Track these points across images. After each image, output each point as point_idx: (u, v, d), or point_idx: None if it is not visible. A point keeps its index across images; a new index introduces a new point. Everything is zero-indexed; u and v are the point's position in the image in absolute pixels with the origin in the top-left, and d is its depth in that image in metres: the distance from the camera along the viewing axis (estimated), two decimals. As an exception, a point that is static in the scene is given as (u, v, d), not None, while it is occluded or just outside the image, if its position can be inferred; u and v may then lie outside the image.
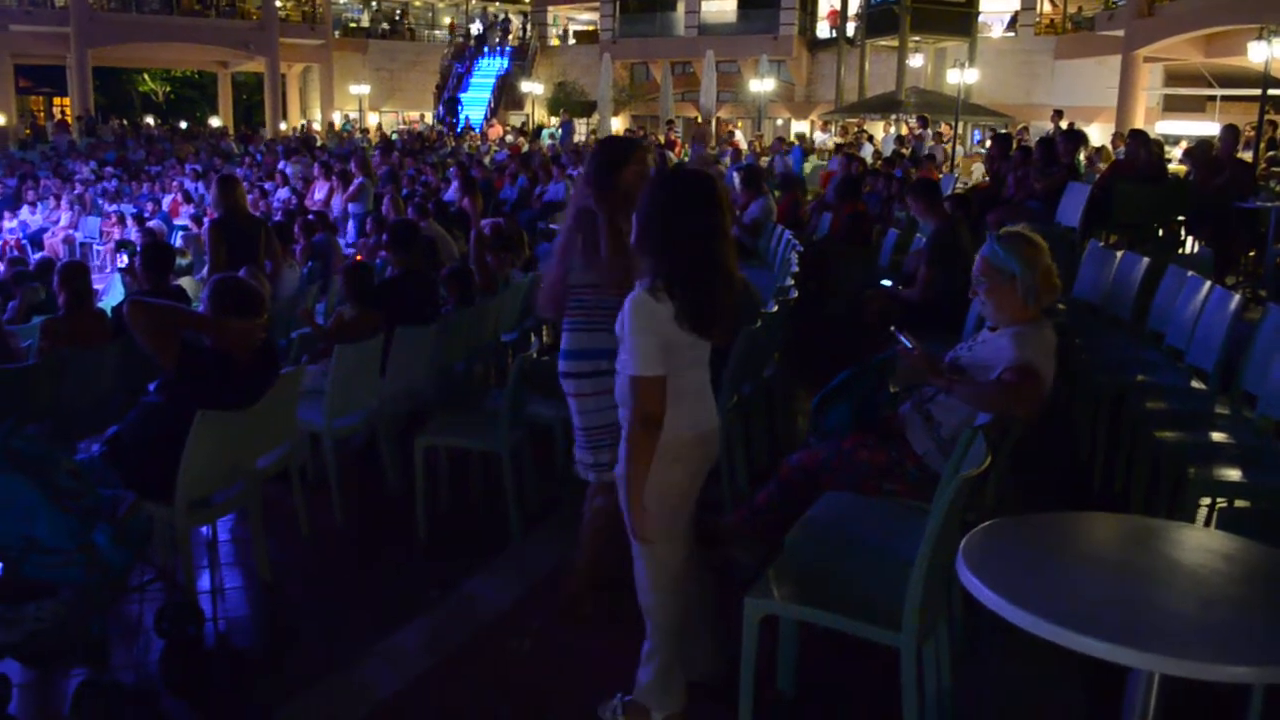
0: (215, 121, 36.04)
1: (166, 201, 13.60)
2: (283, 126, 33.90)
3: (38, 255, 11.80)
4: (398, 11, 40.12)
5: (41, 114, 34.10)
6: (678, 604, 3.06)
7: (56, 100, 34.25)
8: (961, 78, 21.97)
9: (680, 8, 35.61)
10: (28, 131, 30.40)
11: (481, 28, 39.70)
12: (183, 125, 33.81)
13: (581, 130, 31.82)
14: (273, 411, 4.23)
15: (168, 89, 38.74)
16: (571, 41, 39.25)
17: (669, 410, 2.83)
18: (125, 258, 8.82)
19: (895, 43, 27.42)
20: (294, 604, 4.34)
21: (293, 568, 4.57)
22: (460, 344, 6.01)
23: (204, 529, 4.68)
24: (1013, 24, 29.72)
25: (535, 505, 5.02)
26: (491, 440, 4.69)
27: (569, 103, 33.82)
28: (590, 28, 38.79)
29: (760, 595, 2.95)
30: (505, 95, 36.40)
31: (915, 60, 28.63)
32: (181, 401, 3.88)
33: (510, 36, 39.48)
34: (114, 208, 13.43)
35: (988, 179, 11.99)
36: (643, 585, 3.05)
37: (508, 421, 4.65)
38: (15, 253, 12.16)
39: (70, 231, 12.40)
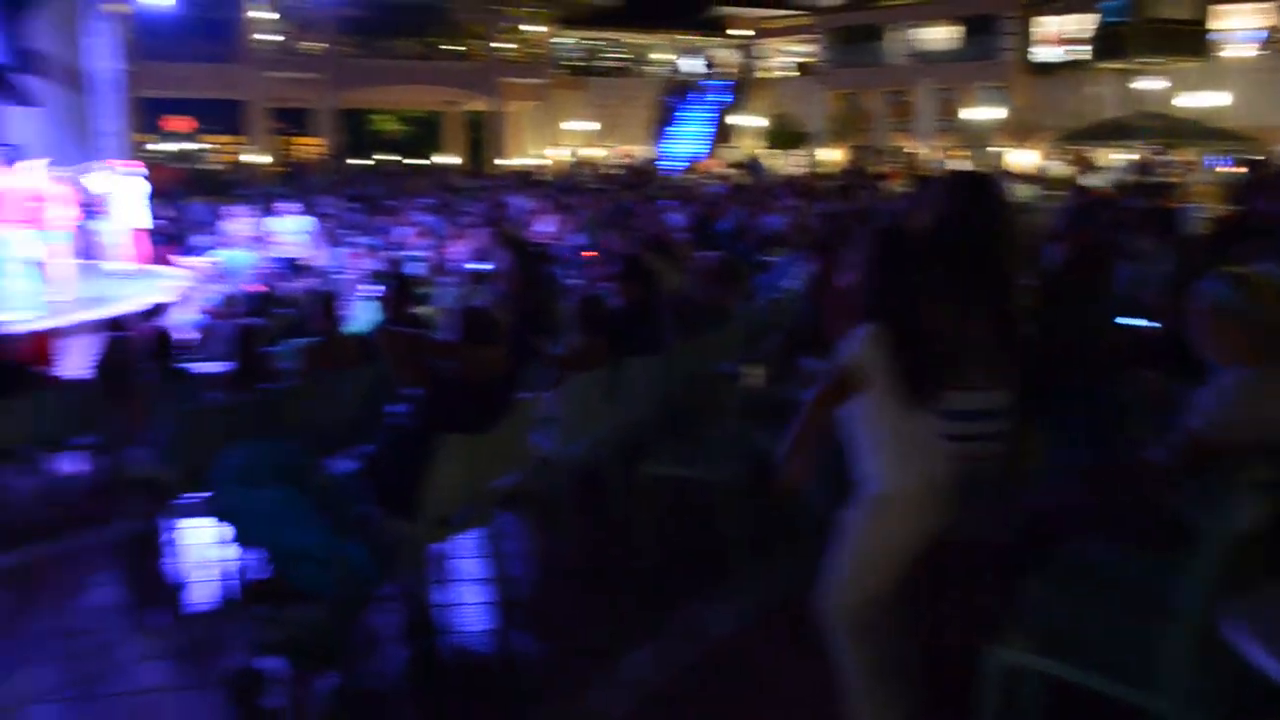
0: (443, 158, 38.07)
1: (404, 234, 14.46)
2: (508, 161, 35.47)
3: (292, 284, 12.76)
4: (613, 50, 41.28)
5: (293, 153, 36.87)
6: (871, 656, 2.95)
7: (301, 140, 36.98)
8: (1198, 100, 20.56)
9: (894, 36, 35.06)
10: (281, 169, 32.99)
11: (695, 64, 40.30)
12: (414, 162, 35.91)
13: (795, 162, 31.72)
14: (510, 437, 4.39)
15: (402, 128, 41.14)
16: (786, 74, 39.28)
17: (891, 460, 2.75)
18: (370, 287, 9.37)
19: (1124, 65, 26.02)
20: (525, 623, 4.47)
21: (524, 588, 4.72)
22: (685, 374, 6.07)
23: (443, 546, 4.88)
24: (1268, 42, 27.60)
25: (759, 536, 4.99)
26: (715, 470, 4.71)
27: (784, 135, 33.83)
28: (804, 59, 38.73)
29: (1002, 646, 2.81)
30: (720, 129, 36.76)
31: (1147, 83, 27.09)
32: (427, 424, 4.08)
33: (724, 71, 39.88)
34: (356, 239, 14.37)
35: (1232, 208, 11.18)
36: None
37: (730, 452, 4.66)
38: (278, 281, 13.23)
39: (323, 262, 13.34)
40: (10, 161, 10.78)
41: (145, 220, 15.47)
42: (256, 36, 34.27)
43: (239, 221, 13.70)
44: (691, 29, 40.60)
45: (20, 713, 3.99)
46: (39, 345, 7.97)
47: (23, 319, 10.05)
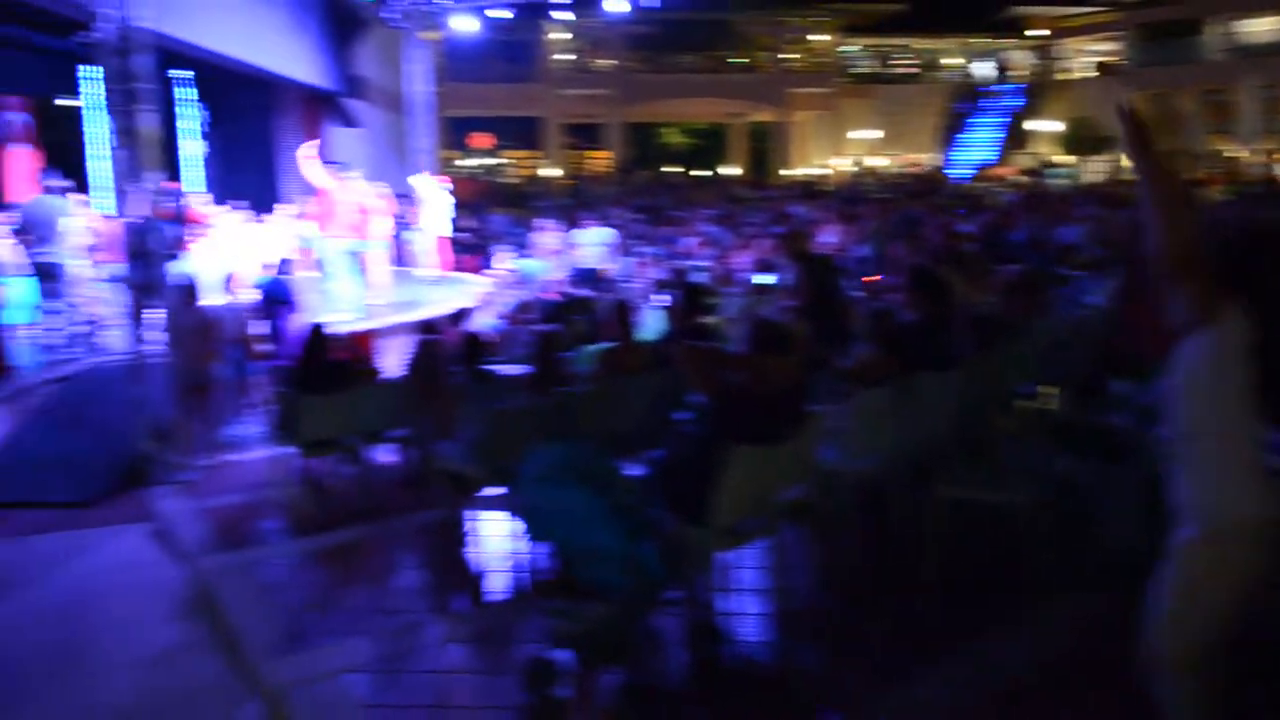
0: (727, 169, 38.56)
1: (688, 244, 14.77)
2: (792, 172, 35.49)
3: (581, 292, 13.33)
4: (901, 57, 40.36)
5: (583, 166, 38.59)
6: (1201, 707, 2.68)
7: (592, 153, 38.57)
8: None
9: (1213, 29, 32.15)
10: (572, 181, 34.57)
11: (987, 68, 38.72)
12: (701, 174, 36.64)
13: (1096, 168, 29.78)
14: (798, 449, 4.36)
15: (687, 140, 42.05)
16: (1085, 74, 36.98)
17: (1234, 486, 2.48)
18: (659, 296, 9.61)
19: None
20: (806, 636, 4.43)
21: (805, 601, 4.69)
22: (979, 393, 5.82)
23: (729, 555, 4.92)
24: None
25: (1059, 566, 4.71)
26: (1011, 495, 4.48)
27: (1083, 139, 31.87)
28: (1105, 58, 36.32)
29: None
30: (1013, 134, 35.13)
31: None
32: (718, 434, 4.12)
33: (1017, 74, 38.07)
34: (643, 249, 14.82)
35: None
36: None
37: (1029, 477, 4.42)
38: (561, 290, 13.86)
39: (616, 272, 13.86)
40: (341, 177, 11.90)
41: (450, 230, 16.62)
42: (553, 57, 36.11)
43: (547, 233, 14.43)
44: (984, 31, 39.07)
45: (337, 680, 4.37)
46: (360, 344, 8.73)
47: (346, 320, 11.05)
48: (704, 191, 27.23)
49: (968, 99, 37.97)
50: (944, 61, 40.77)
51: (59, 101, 17.28)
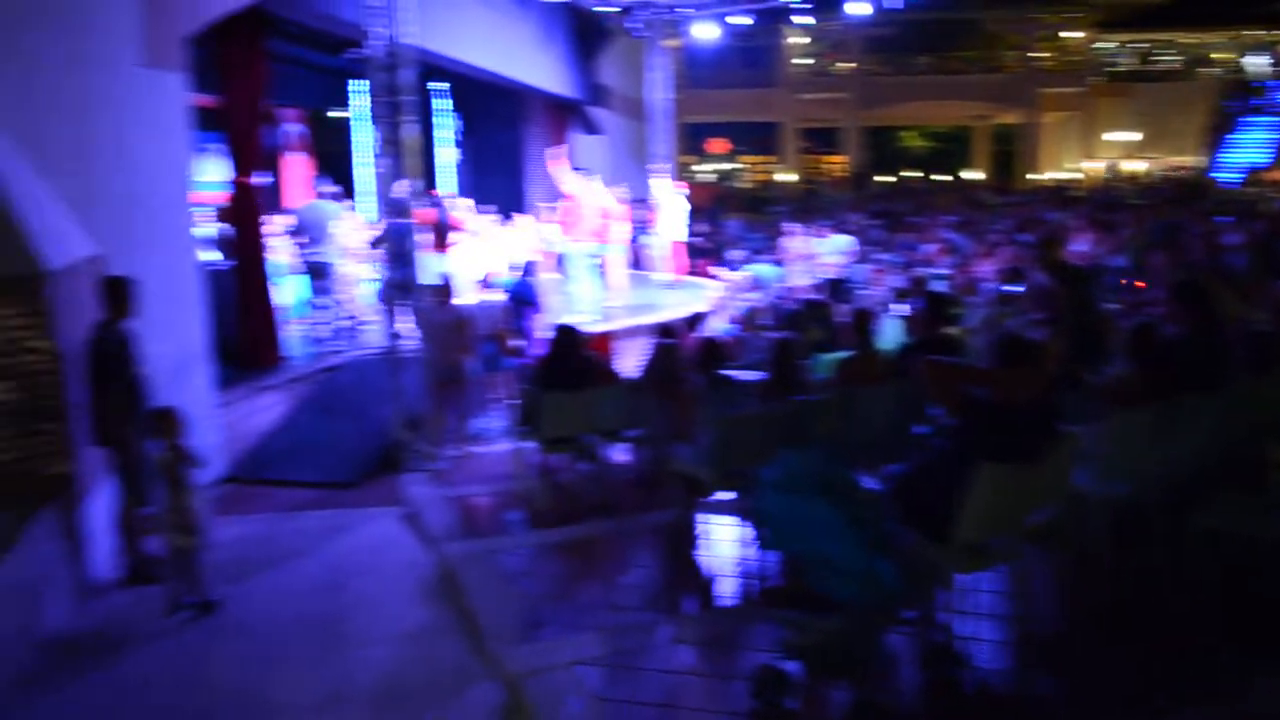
0: (970, 174, 37.19)
1: (928, 250, 14.34)
2: (1039, 176, 33.86)
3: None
4: (1163, 53, 37.69)
5: (818, 171, 38.20)
6: None
7: (828, 158, 38.10)
8: None
9: None
10: (807, 186, 34.29)
11: (1261, 62, 35.61)
12: (942, 178, 35.52)
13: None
14: (1049, 470, 4.14)
15: (927, 144, 40.86)
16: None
17: None
18: (898, 304, 9.38)
19: None
20: (1047, 665, 4.21)
21: (1049, 629, 4.45)
22: (1249, 417, 5.35)
23: (970, 576, 4.74)
24: None
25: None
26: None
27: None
28: None
29: None
30: (1293, 134, 32.14)
31: None
32: (963, 450, 3.97)
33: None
34: (880, 256, 14.50)
35: None
36: None
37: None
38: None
39: (854, 279, 13.63)
40: (585, 183, 12.26)
41: (686, 235, 16.81)
42: (791, 61, 35.93)
43: (795, 238, 14.30)
44: (1258, 23, 35.91)
45: (568, 671, 4.50)
46: (599, 346, 8.97)
47: (585, 321, 11.38)
48: (945, 197, 26.38)
49: (1239, 96, 34.97)
50: (1213, 56, 37.75)
51: (331, 114, 18.70)
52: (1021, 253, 11.34)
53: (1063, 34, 36.06)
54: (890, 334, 7.99)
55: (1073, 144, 36.59)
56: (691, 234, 19.33)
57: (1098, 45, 36.86)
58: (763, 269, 12.06)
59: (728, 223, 19.99)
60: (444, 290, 8.43)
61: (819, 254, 13.77)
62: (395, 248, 8.27)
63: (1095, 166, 34.92)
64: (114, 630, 5.35)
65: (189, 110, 7.65)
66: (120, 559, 5.92)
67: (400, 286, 8.28)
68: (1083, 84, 35.24)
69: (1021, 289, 8.18)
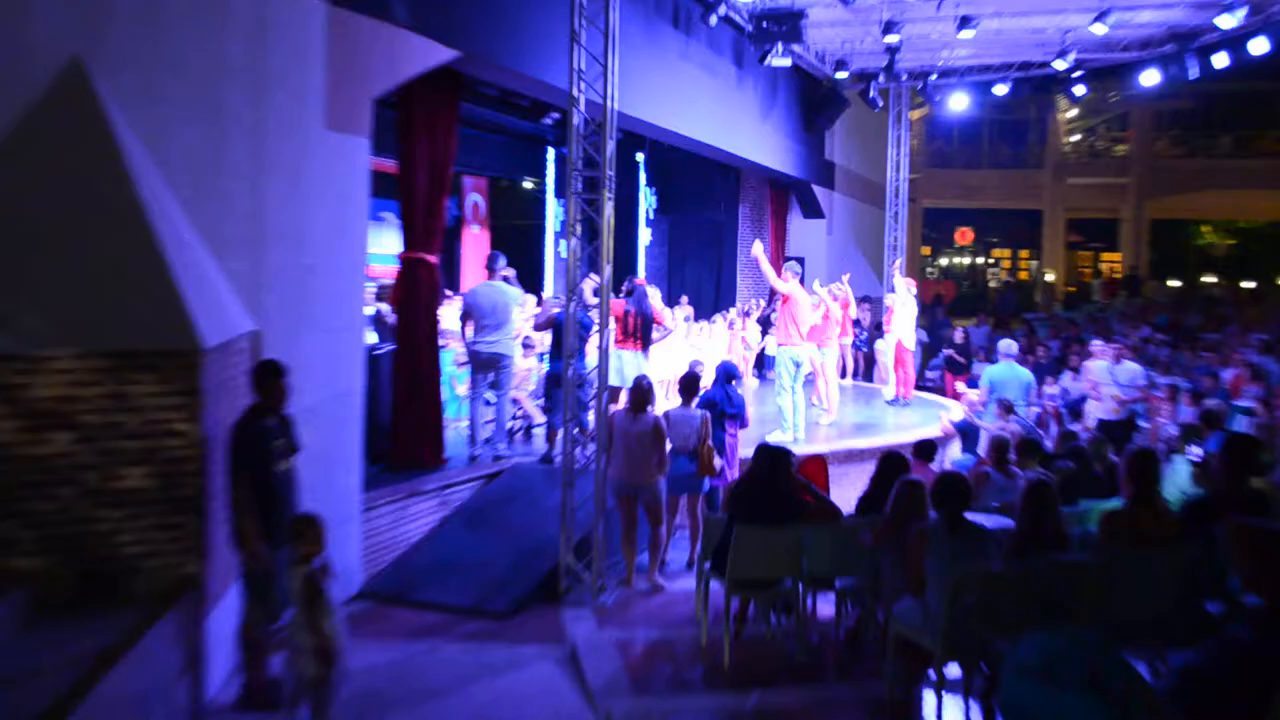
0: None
1: (1227, 377, 13.58)
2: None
3: (1073, 425, 12.66)
4: None
5: (1088, 270, 37.10)
6: None
7: (1104, 255, 36.97)
8: None
9: None
10: (1071, 289, 33.31)
11: None
12: (1248, 285, 33.79)
13: None
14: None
15: (1228, 241, 39.12)
16: None
17: None
18: (1191, 446, 8.92)
19: None
20: None
21: None
22: None
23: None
24: None
25: None
26: None
27: None
28: None
29: None
30: None
31: None
32: (1274, 646, 3.66)
33: None
34: (1164, 380, 13.85)
35: None
36: None
37: None
38: (1054, 423, 13.25)
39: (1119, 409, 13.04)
40: (798, 276, 12.29)
41: (917, 341, 16.56)
42: (1061, 138, 35.31)
43: (1098, 359, 13.57)
44: None
45: None
46: (808, 471, 8.84)
47: (794, 440, 11.30)
48: (1251, 309, 25.08)
49: None
50: None
51: (522, 183, 19.57)
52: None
53: None
54: (1176, 482, 7.59)
55: None
56: (927, 341, 19.08)
57: None
58: (1005, 378, 11.63)
59: (972, 329, 19.61)
60: (640, 394, 8.52)
61: (1096, 376, 13.23)
62: (561, 336, 8.49)
63: None
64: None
65: (368, 176, 8.13)
66: (239, 678, 6.14)
67: (558, 380, 8.45)
68: None
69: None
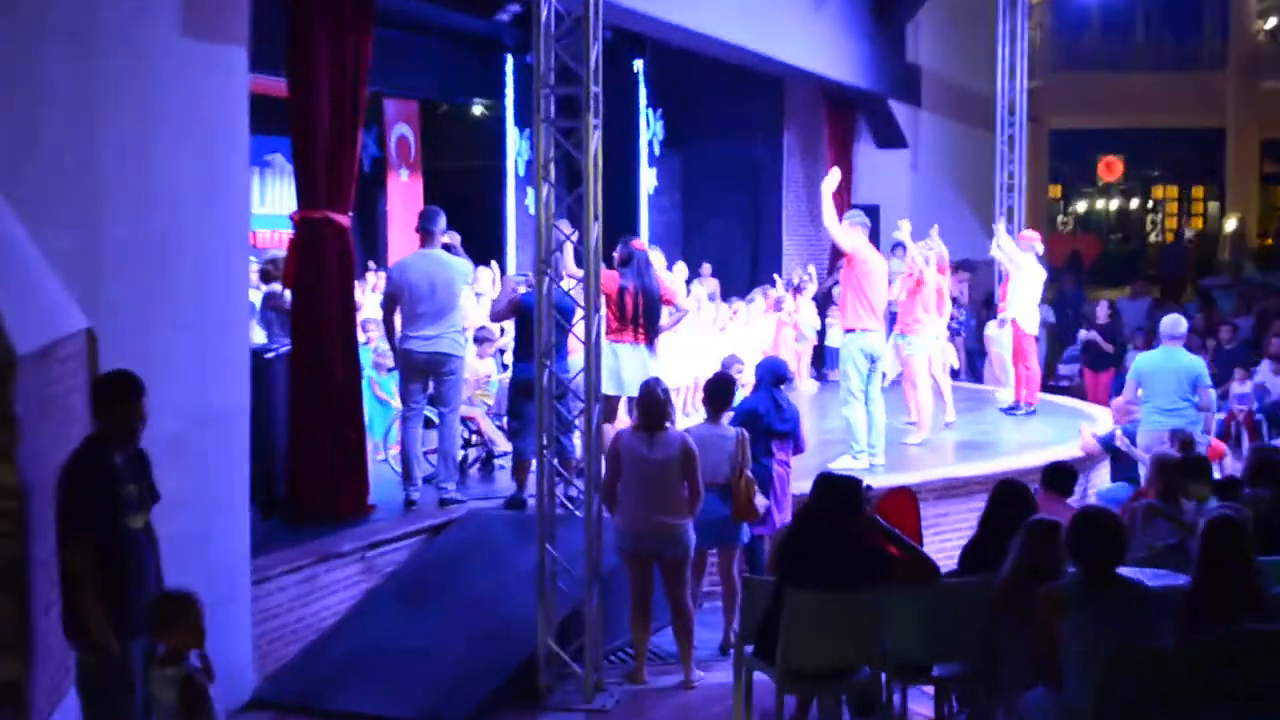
0: None
1: None
2: None
3: (1275, 439, 12.72)
4: None
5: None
6: None
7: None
8: None
9: None
10: (1268, 241, 33.13)
11: None
12: None
13: None
14: None
15: None
16: None
17: None
18: None
19: None
20: None
21: None
22: None
23: None
24: None
25: None
26: None
27: None
28: None
29: None
30: None
31: None
32: None
33: None
34: None
35: None
36: None
37: None
38: (1246, 435, 13.29)
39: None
40: (866, 230, 12.14)
41: (1043, 323, 16.56)
42: (1252, 25, 35.08)
43: None
44: None
45: None
46: (889, 510, 8.80)
47: (868, 467, 11.30)
48: None
49: None
50: None
51: (470, 107, 19.58)
52: None
53: None
54: None
55: None
56: (1058, 321, 19.03)
57: None
58: (1155, 366, 11.48)
59: (1126, 304, 19.62)
60: (654, 405, 8.43)
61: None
62: (531, 326, 8.46)
63: None
64: None
65: (247, 103, 8.12)
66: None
67: (528, 389, 8.40)
68: None
69: None
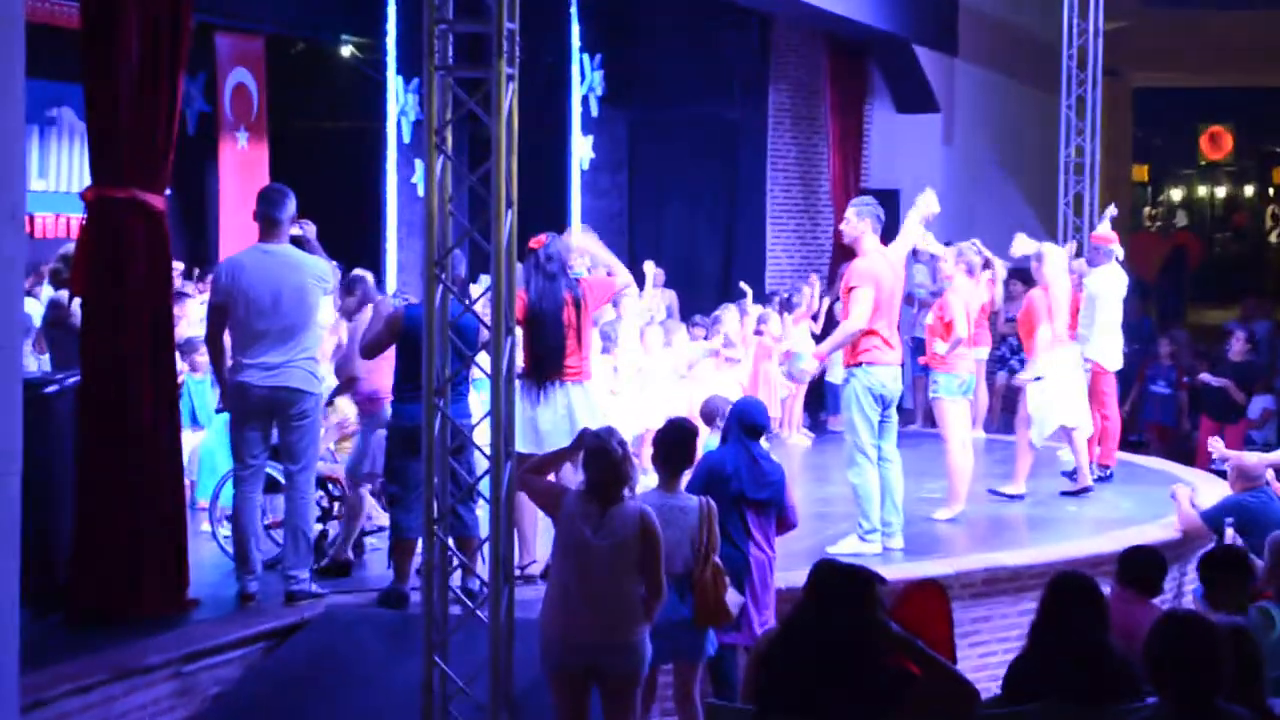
0: None
1: None
2: None
3: None
4: None
5: None
6: None
7: None
8: None
9: None
10: None
11: None
12: None
13: None
14: None
15: None
16: None
17: None
18: None
19: None
20: None
21: None
22: None
23: None
24: None
25: None
26: None
27: None
28: None
29: None
30: None
31: None
32: None
33: None
34: None
35: None
36: None
37: None
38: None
39: None
40: (877, 225, 12.16)
41: (1123, 349, 16.63)
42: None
43: None
44: None
45: None
46: (918, 608, 8.76)
47: (879, 549, 11.35)
48: None
49: None
50: None
51: (337, 47, 19.63)
52: None
53: None
54: None
55: None
56: (1139, 350, 19.18)
57: None
58: None
59: (1261, 325, 19.86)
60: (608, 466, 8.27)
61: None
62: (418, 355, 8.48)
63: None
64: None
65: (23, 39, 8.11)
66: None
67: (410, 440, 8.44)
68: None
69: None
